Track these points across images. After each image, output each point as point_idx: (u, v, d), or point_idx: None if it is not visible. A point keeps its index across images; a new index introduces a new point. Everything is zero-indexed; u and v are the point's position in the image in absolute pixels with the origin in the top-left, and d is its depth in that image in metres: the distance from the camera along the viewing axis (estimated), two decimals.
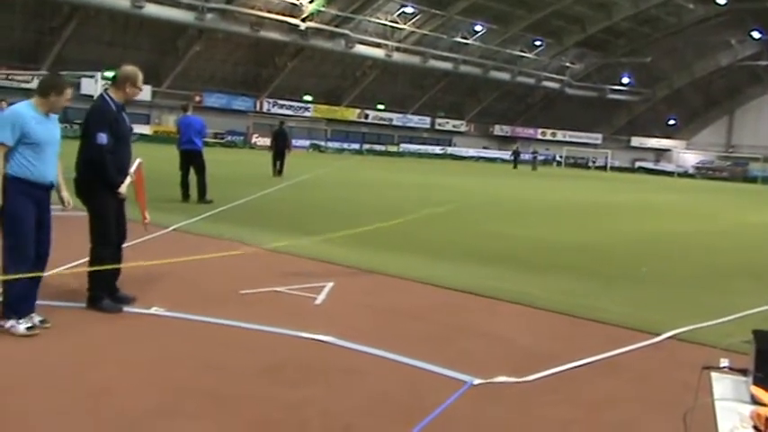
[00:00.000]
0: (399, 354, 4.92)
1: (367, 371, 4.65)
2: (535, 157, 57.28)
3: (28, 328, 4.91)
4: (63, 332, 5.04)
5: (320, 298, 6.52)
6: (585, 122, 77.10)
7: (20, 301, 4.98)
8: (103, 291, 5.67)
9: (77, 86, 41.09)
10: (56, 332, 5.01)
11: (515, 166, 51.35)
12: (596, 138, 77.85)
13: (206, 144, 14.43)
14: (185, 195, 13.65)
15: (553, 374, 4.75)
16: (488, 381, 4.49)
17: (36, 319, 5.07)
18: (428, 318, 6.14)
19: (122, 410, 3.76)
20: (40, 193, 5.06)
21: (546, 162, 67.73)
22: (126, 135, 5.74)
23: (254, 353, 4.86)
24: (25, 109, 4.98)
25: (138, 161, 6.19)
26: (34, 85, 42.24)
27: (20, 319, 4.95)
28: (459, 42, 64.90)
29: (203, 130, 14.25)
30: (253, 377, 4.39)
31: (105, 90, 5.77)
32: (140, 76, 5.71)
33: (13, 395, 3.88)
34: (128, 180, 5.79)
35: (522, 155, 57.86)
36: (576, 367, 4.93)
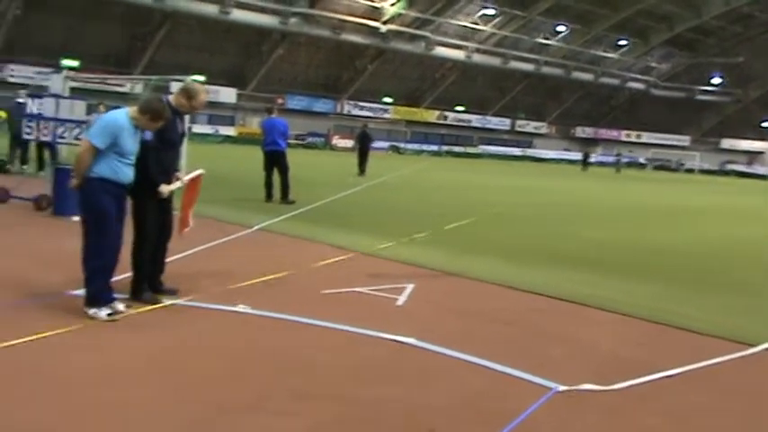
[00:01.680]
0: (482, 357, 4.88)
1: (450, 373, 4.64)
2: (618, 160, 55.91)
3: (109, 314, 5.25)
4: (156, 327, 5.24)
5: (401, 299, 6.54)
6: (672, 124, 74.75)
7: (101, 291, 5.31)
8: (145, 283, 5.86)
9: (166, 89, 42.53)
10: (149, 327, 5.20)
11: (584, 168, 50.02)
12: (684, 140, 75.37)
13: (288, 146, 14.69)
14: (269, 195, 13.93)
15: (641, 383, 4.62)
16: (573, 388, 4.40)
17: (120, 306, 5.41)
18: (511, 322, 6.08)
19: (212, 403, 3.88)
20: (121, 191, 5.41)
21: (630, 164, 65.96)
22: (173, 139, 5.88)
23: (337, 352, 4.93)
24: (123, 120, 5.30)
25: (199, 171, 6.29)
26: (128, 89, 44.03)
27: (101, 307, 5.26)
28: (541, 43, 64.04)
29: (287, 132, 14.50)
30: (336, 376, 4.44)
31: (169, 93, 5.99)
32: (199, 96, 5.86)
33: (114, 385, 4.06)
34: (176, 185, 5.93)
35: (591, 157, 56.21)
36: (665, 377, 4.78)
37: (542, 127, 74.51)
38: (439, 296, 6.85)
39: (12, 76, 43.32)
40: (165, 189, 5.74)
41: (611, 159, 62.14)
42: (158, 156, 5.69)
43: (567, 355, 5.24)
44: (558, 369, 4.79)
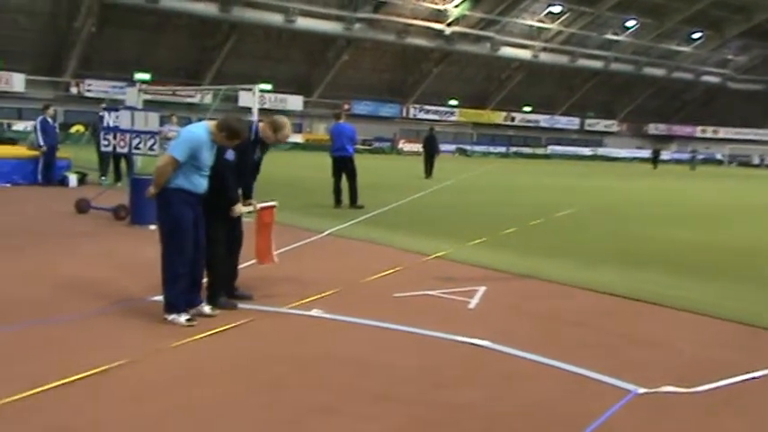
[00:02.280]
0: (558, 360, 4.80)
1: (526, 376, 4.58)
2: (694, 157, 54.28)
3: (187, 320, 5.41)
4: (237, 330, 5.33)
5: (473, 302, 6.50)
6: (752, 118, 72.02)
7: (180, 297, 5.48)
8: (221, 289, 6.01)
9: (235, 99, 43.54)
10: (225, 332, 5.30)
11: (655, 167, 48.29)
12: (765, 134, 72.48)
13: (355, 151, 14.77)
14: (338, 201, 14.04)
15: (725, 386, 4.46)
16: (654, 390, 4.29)
17: (206, 308, 5.64)
18: (586, 323, 5.96)
19: (292, 406, 3.94)
20: (195, 199, 5.58)
21: (706, 161, 63.90)
22: (249, 162, 6.10)
23: (411, 355, 4.92)
24: (203, 135, 5.51)
25: (272, 202, 6.42)
26: (197, 99, 45.22)
27: (180, 313, 5.43)
28: (610, 39, 62.77)
29: (355, 137, 14.56)
30: (413, 379, 4.43)
31: (259, 121, 6.12)
32: (284, 130, 6.07)
33: (193, 389, 4.16)
34: (248, 208, 6.11)
35: (662, 154, 53.99)
36: (750, 379, 4.61)
37: (613, 125, 73.00)
38: (512, 298, 6.77)
39: (89, 90, 45.09)
40: (238, 209, 5.95)
41: (685, 156, 60.35)
42: (237, 176, 5.92)
43: (646, 357, 5.11)
44: (637, 371, 4.67)
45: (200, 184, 5.55)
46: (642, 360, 5.03)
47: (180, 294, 5.46)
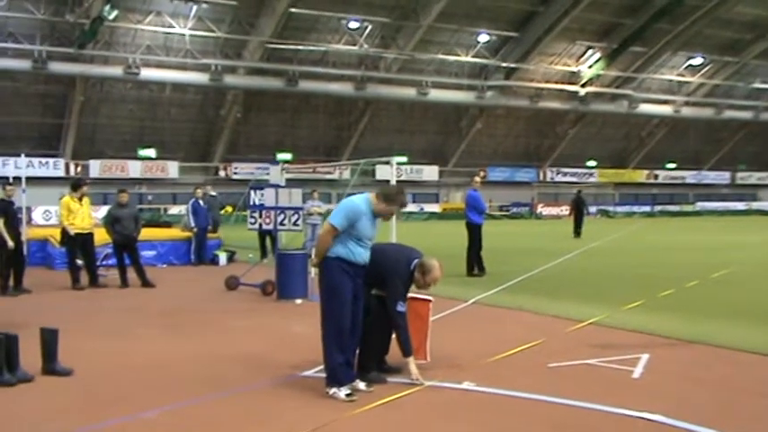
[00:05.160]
0: None
1: None
2: None
3: (347, 395, 5.25)
4: (390, 406, 5.13)
5: (637, 371, 5.98)
6: None
7: (340, 371, 5.35)
8: (371, 362, 5.85)
9: (373, 173, 44.53)
10: (384, 406, 5.11)
11: None
12: None
13: (491, 217, 14.20)
14: (480, 268, 13.68)
15: None
16: None
17: (361, 384, 5.44)
18: None
19: None
20: (356, 270, 5.50)
21: None
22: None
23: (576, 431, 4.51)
24: (364, 206, 5.52)
25: (427, 296, 6.22)
26: (336, 175, 46.67)
27: (341, 387, 5.29)
28: (759, 88, 59.36)
29: (477, 204, 13.79)
30: None
31: (416, 263, 5.88)
32: (433, 273, 5.81)
33: None
34: None
35: None
36: None
37: None
38: (680, 366, 6.18)
39: (236, 173, 47.61)
40: None
41: None
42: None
43: None
44: None
45: (360, 253, 5.50)
46: None
47: (339, 367, 5.36)
